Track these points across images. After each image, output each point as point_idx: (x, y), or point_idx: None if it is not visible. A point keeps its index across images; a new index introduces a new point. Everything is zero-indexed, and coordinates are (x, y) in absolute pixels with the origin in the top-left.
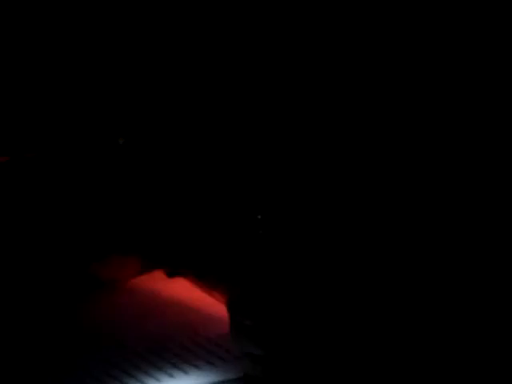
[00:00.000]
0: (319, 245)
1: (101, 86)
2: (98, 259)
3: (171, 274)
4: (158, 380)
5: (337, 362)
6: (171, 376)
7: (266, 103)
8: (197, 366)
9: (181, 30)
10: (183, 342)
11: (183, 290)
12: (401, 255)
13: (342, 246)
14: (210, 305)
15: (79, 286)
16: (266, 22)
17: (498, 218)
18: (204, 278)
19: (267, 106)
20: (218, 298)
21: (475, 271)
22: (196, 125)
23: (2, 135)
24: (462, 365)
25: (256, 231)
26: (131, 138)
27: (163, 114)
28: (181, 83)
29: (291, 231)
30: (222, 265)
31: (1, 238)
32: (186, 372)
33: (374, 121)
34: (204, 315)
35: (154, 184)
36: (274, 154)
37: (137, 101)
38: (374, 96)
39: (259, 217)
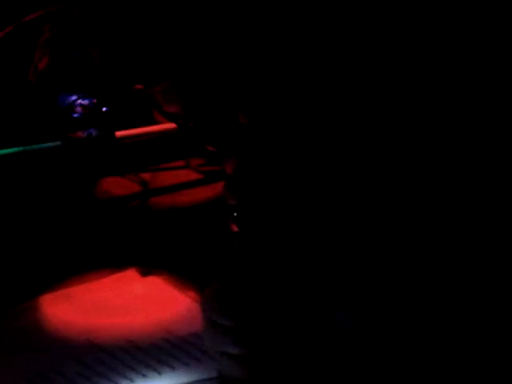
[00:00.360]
0: (299, 240)
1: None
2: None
3: (145, 272)
4: (130, 380)
5: (318, 360)
6: (144, 376)
7: (258, 100)
8: (171, 366)
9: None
10: (157, 341)
11: (157, 289)
12: (382, 257)
13: (322, 241)
14: (185, 303)
15: (50, 284)
16: (266, 22)
17: (498, 218)
18: (178, 277)
19: (259, 104)
20: (193, 297)
21: (475, 271)
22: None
23: None
24: (462, 365)
25: (233, 228)
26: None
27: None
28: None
29: (269, 227)
30: (196, 263)
31: None
32: (159, 372)
33: (366, 119)
34: (178, 314)
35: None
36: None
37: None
38: (372, 96)
39: (235, 214)
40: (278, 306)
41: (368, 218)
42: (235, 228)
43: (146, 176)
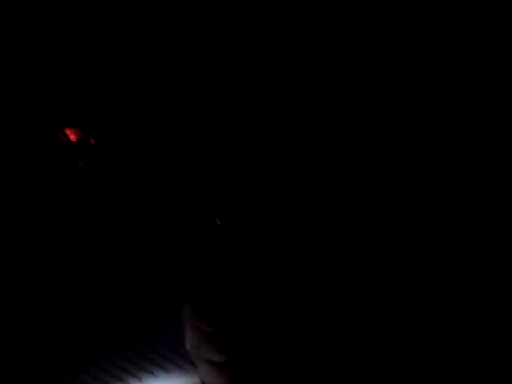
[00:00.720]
0: (281, 248)
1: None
2: None
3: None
4: None
5: (300, 366)
6: (125, 383)
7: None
8: (151, 373)
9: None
10: (139, 348)
11: (141, 297)
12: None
13: (304, 250)
14: (169, 311)
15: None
16: (266, 22)
17: (498, 219)
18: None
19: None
20: (177, 304)
21: (475, 271)
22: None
23: None
24: (462, 365)
25: (215, 237)
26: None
27: None
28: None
29: (252, 235)
30: (180, 271)
31: None
32: (140, 379)
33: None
34: (162, 321)
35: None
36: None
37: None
38: (370, 96)
39: (218, 222)
40: (262, 312)
41: (351, 224)
42: (219, 232)
43: None
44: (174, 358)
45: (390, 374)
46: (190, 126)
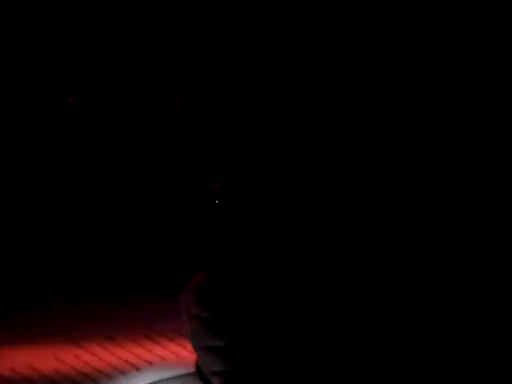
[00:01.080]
0: (279, 242)
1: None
2: None
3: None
4: (109, 377)
5: (299, 355)
6: (122, 373)
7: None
8: (149, 362)
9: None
10: (136, 337)
11: (137, 286)
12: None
13: (301, 245)
14: (166, 301)
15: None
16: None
17: (498, 219)
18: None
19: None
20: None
21: (475, 271)
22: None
23: None
24: (461, 365)
25: (213, 228)
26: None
27: None
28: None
29: (251, 217)
30: (175, 261)
31: None
32: (137, 368)
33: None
34: (159, 310)
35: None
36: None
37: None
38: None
39: (217, 202)
40: (261, 298)
41: (360, 211)
42: (217, 215)
43: None
44: (171, 346)
45: (389, 374)
46: (189, 124)
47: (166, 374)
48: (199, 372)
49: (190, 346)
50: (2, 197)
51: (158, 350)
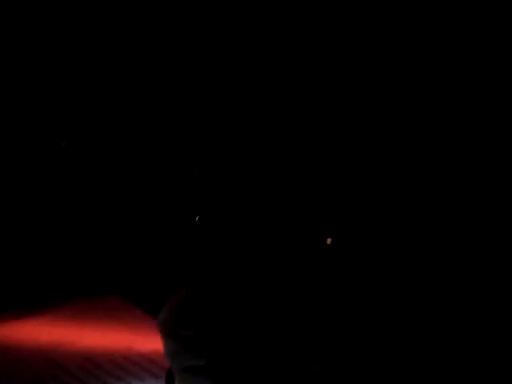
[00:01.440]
0: (260, 248)
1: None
2: None
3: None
4: None
5: (282, 372)
6: None
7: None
8: (128, 383)
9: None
10: (116, 359)
11: (119, 307)
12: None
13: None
14: (147, 321)
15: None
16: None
17: (498, 219)
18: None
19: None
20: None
21: (475, 271)
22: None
23: None
24: (461, 365)
25: (193, 245)
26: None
27: None
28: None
29: (231, 234)
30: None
31: None
32: None
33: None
34: (140, 332)
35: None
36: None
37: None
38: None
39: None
40: (241, 317)
41: (341, 233)
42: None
43: None
44: (151, 367)
45: (389, 374)
46: (188, 122)
47: None
48: None
49: (171, 367)
50: None
51: (138, 371)
